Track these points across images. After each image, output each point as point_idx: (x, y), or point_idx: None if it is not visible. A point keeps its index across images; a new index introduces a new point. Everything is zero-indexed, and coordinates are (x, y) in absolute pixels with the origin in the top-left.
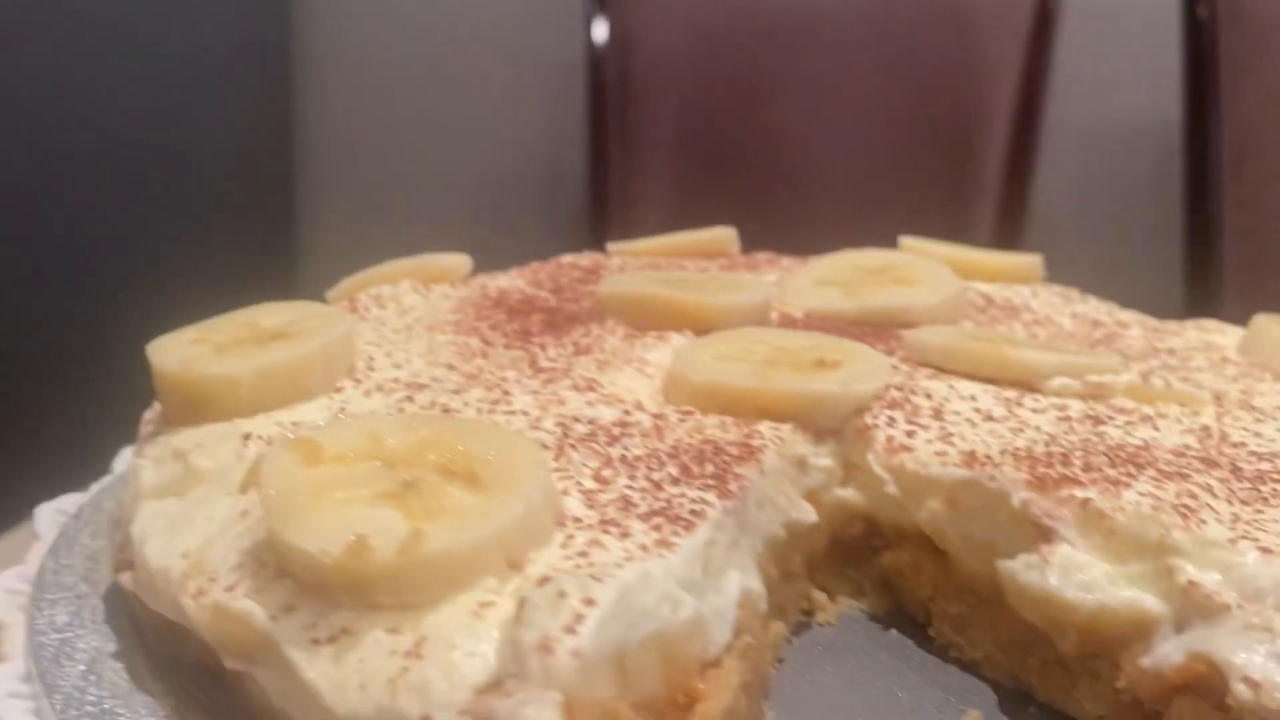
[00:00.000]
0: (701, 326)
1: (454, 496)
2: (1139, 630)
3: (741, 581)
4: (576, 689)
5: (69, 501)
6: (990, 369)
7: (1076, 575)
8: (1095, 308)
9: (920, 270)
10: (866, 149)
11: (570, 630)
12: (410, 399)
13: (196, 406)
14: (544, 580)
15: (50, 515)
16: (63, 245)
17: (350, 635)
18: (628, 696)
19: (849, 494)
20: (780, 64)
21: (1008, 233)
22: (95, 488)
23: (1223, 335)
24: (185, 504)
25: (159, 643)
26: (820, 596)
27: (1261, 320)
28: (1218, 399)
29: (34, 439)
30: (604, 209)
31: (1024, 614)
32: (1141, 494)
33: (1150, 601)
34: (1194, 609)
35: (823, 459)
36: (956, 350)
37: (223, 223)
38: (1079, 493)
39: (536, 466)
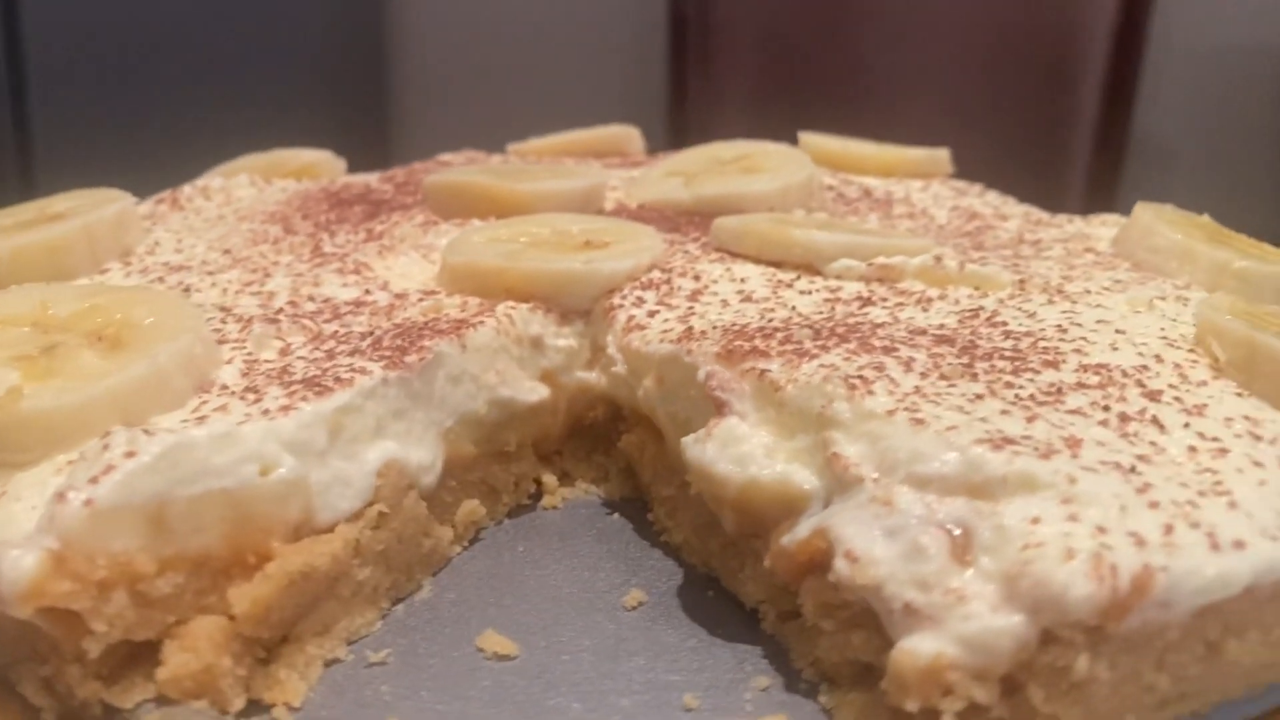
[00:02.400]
0: (512, 213)
1: (84, 359)
2: (790, 507)
3: (394, 451)
4: (83, 538)
5: None
6: (776, 251)
7: (733, 449)
8: (986, 202)
9: (770, 160)
10: (955, 74)
11: (94, 481)
12: (162, 279)
13: None
14: (105, 435)
15: None
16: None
17: None
18: (162, 550)
19: (592, 376)
20: None
21: (1106, 159)
22: None
23: (1105, 228)
24: None
25: None
26: (551, 480)
27: (1138, 210)
28: (1021, 283)
29: None
30: (683, 138)
31: (698, 491)
32: (823, 365)
33: (802, 476)
34: (836, 483)
35: (564, 339)
36: (745, 233)
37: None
38: (761, 364)
39: (178, 334)
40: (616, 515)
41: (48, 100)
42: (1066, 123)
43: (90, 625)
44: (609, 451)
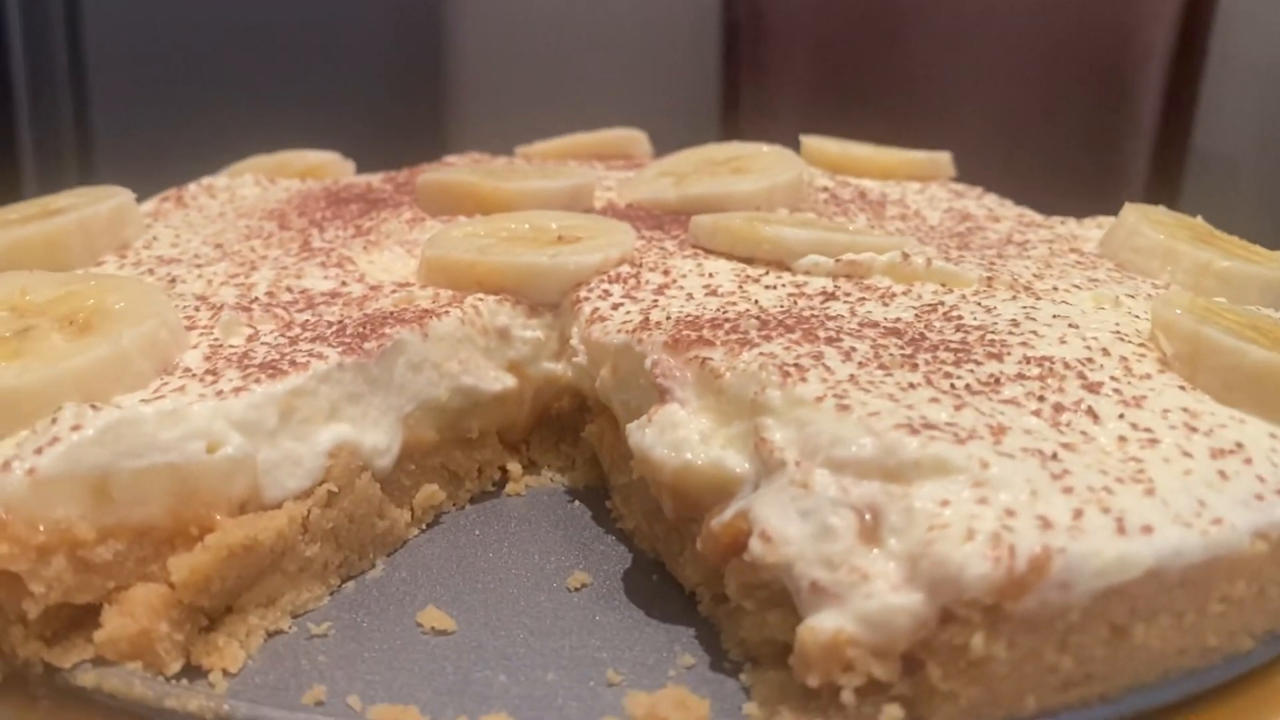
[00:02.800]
0: (498, 211)
1: (52, 341)
2: (723, 491)
3: (347, 434)
4: (23, 505)
5: None
6: (746, 247)
7: (670, 434)
8: (982, 204)
9: (760, 161)
10: (1011, 86)
11: (39, 451)
12: (151, 271)
13: None
14: (57, 410)
15: None
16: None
17: None
18: (103, 519)
19: (559, 367)
20: None
21: (1165, 174)
22: None
23: (1098, 230)
24: None
25: None
26: (516, 468)
27: (1125, 210)
28: (989, 280)
29: None
30: None
31: (640, 475)
32: (762, 353)
33: (735, 461)
34: (764, 467)
35: (532, 331)
36: (717, 229)
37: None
38: (704, 353)
39: (143, 318)
40: (577, 503)
41: (109, 102)
42: (1125, 134)
43: (29, 587)
44: (575, 441)
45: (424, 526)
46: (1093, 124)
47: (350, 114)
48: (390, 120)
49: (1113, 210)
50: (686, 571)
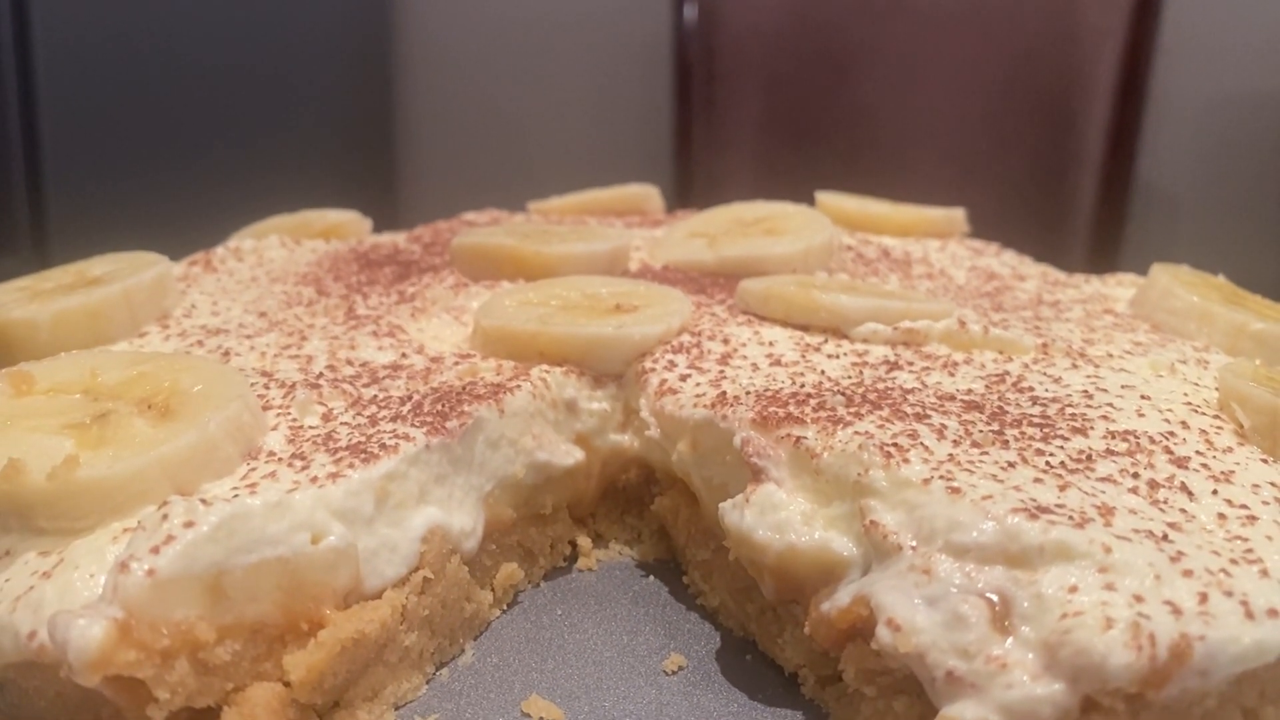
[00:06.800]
0: (539, 275)
1: (135, 427)
2: (828, 574)
3: (437, 517)
4: (146, 607)
5: None
6: (801, 314)
7: (771, 515)
8: (1002, 262)
9: (792, 222)
10: (960, 122)
11: (155, 550)
12: (200, 343)
13: (3, 349)
14: (163, 504)
15: None
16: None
17: (9, 556)
18: (220, 618)
19: (625, 439)
20: (869, 36)
21: (1110, 207)
22: None
23: (1122, 288)
24: None
25: None
26: (585, 543)
27: (1156, 270)
28: (1044, 347)
29: None
30: (688, 187)
31: (736, 556)
32: (858, 433)
33: (840, 543)
34: (875, 550)
35: (598, 403)
36: (769, 296)
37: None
38: (796, 431)
39: (227, 402)
40: (651, 578)
41: (60, 168)
42: (1071, 172)
43: (154, 693)
44: (641, 514)
45: (505, 607)
46: (1040, 158)
47: (306, 175)
48: (344, 178)
49: (1064, 244)
50: (787, 653)
